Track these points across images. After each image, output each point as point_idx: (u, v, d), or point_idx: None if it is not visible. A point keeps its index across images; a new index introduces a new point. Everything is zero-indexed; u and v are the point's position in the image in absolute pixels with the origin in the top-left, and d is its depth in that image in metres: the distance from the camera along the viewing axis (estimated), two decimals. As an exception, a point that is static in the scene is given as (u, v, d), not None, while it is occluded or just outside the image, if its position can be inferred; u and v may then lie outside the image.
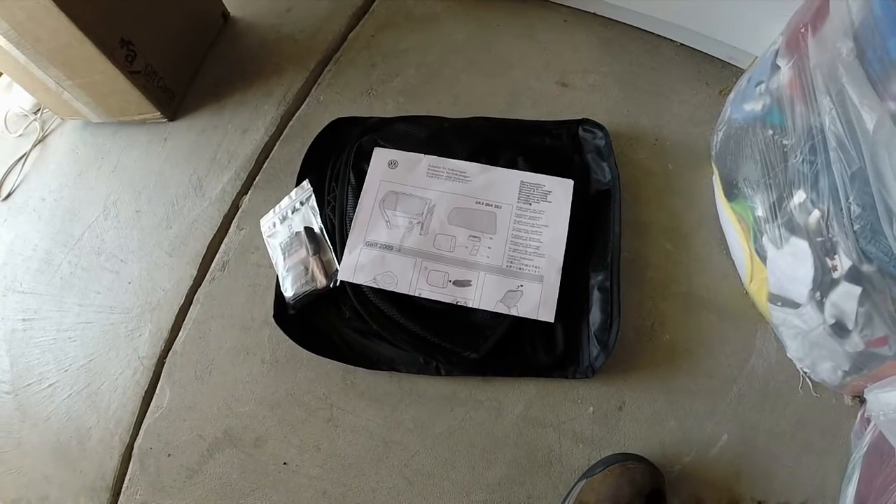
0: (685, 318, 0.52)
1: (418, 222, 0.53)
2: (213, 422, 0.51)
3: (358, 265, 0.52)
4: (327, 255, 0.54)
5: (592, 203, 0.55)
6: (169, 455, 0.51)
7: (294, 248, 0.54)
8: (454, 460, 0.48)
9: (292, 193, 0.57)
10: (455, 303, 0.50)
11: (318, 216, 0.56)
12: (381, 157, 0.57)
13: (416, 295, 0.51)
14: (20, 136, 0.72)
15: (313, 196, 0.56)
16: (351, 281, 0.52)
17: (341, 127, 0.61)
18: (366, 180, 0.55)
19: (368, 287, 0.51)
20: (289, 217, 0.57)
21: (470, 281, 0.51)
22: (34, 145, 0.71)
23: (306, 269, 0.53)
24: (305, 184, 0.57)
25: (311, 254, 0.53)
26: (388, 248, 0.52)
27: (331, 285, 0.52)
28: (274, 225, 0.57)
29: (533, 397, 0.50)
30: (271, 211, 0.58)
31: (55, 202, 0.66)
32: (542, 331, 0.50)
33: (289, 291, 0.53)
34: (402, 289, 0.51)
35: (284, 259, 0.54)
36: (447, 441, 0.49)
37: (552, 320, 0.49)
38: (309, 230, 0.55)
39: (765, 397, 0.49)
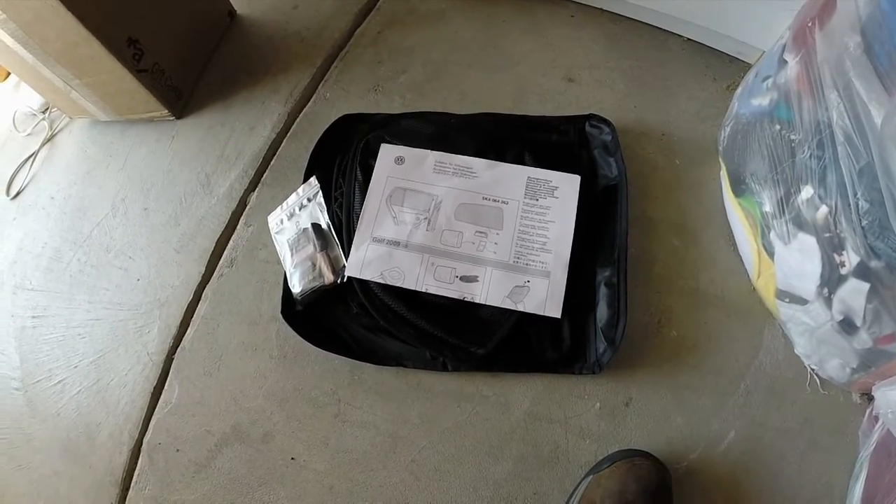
0: (692, 315, 0.52)
1: (425, 218, 0.54)
2: (222, 417, 0.52)
3: (365, 261, 0.52)
4: (335, 251, 0.54)
5: (599, 198, 0.55)
6: (177, 450, 0.51)
7: (301, 245, 0.54)
8: (461, 456, 0.48)
9: (300, 190, 0.58)
10: (462, 298, 0.50)
11: (326, 212, 0.56)
12: (387, 154, 0.57)
13: (423, 291, 0.51)
14: (29, 135, 0.73)
15: (321, 192, 0.56)
16: (358, 277, 0.52)
17: (348, 123, 0.61)
18: (373, 176, 0.56)
19: (376, 283, 0.51)
20: (296, 213, 0.57)
21: (477, 276, 0.51)
22: (43, 144, 0.71)
23: (314, 264, 0.53)
24: (313, 180, 0.57)
25: (318, 250, 0.54)
26: (395, 244, 0.53)
27: (338, 281, 0.52)
28: (282, 221, 0.57)
29: (539, 393, 0.50)
30: (279, 207, 0.58)
31: (64, 200, 0.66)
32: (549, 326, 0.50)
33: (296, 287, 0.53)
34: (410, 284, 0.51)
35: (292, 255, 0.54)
36: (454, 436, 0.49)
37: (559, 316, 0.49)
38: (316, 226, 0.55)
39: (772, 394, 0.48)
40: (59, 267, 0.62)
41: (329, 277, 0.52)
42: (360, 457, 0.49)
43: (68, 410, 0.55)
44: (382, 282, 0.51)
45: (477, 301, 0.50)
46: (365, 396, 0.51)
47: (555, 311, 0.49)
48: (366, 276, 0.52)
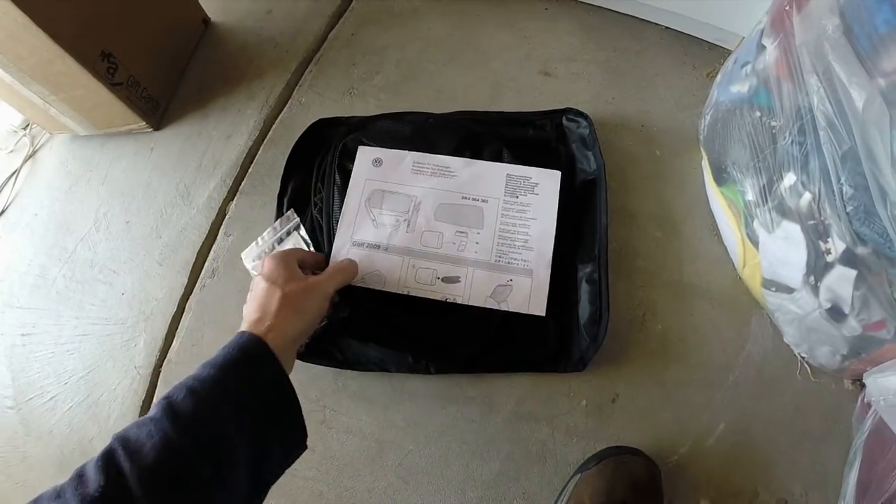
0: (677, 307, 0.51)
1: (405, 220, 0.53)
2: (210, 428, 0.52)
3: None
4: None
5: (578, 193, 0.54)
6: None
7: None
8: (448, 458, 0.48)
9: (276, 224, 0.54)
10: (444, 300, 0.50)
11: (311, 247, 0.52)
12: (365, 156, 0.56)
13: (405, 294, 0.50)
14: (11, 152, 0.73)
15: (302, 226, 0.53)
16: None
17: (323, 127, 0.60)
18: (350, 179, 0.55)
19: (358, 288, 0.51)
20: (276, 249, 0.53)
21: (459, 277, 0.50)
22: (25, 161, 0.71)
23: None
24: (291, 213, 0.54)
25: None
26: (376, 247, 0.52)
27: (324, 324, 0.49)
28: (259, 257, 0.54)
29: (525, 392, 0.49)
30: (253, 243, 0.55)
31: (48, 217, 0.66)
32: (534, 325, 0.49)
33: None
34: (391, 288, 0.50)
35: None
36: (440, 439, 0.49)
37: (543, 314, 0.49)
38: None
39: (762, 384, 0.48)
40: (46, 284, 0.62)
41: (328, 315, 0.49)
42: (347, 462, 0.49)
43: (61, 427, 0.56)
44: (364, 286, 0.51)
45: (459, 302, 0.50)
46: (350, 402, 0.51)
47: (539, 309, 0.49)
48: None
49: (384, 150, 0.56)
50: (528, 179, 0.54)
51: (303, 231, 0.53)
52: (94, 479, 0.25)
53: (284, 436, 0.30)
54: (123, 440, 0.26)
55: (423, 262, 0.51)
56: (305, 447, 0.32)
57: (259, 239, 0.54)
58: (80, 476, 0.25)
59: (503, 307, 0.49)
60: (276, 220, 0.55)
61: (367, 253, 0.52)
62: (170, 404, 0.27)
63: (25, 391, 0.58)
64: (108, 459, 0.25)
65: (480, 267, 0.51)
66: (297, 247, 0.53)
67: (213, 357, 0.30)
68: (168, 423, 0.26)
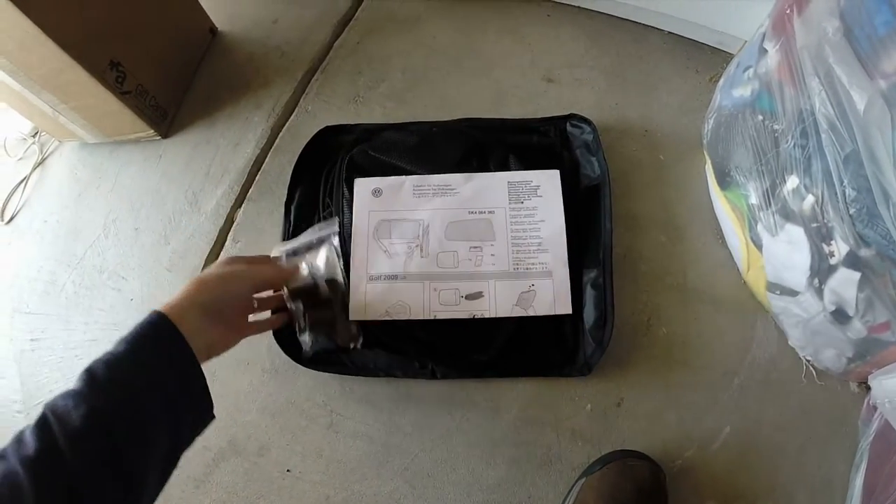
0: (682, 311, 0.51)
1: (417, 245, 0.52)
2: (218, 432, 0.52)
3: (367, 303, 0.50)
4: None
5: (583, 199, 0.54)
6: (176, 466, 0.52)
7: (314, 301, 0.48)
8: (454, 462, 0.48)
9: (316, 226, 0.50)
10: (472, 317, 0.49)
11: (342, 261, 0.49)
12: (363, 188, 0.55)
13: (433, 318, 0.50)
14: (20, 159, 0.74)
15: (336, 236, 0.49)
16: (363, 320, 0.50)
17: (330, 135, 0.61)
18: (353, 214, 0.54)
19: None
20: (301, 253, 0.49)
21: (481, 292, 0.50)
22: (34, 168, 0.72)
23: (332, 326, 0.49)
24: (336, 220, 0.51)
25: (338, 311, 0.49)
26: (393, 277, 0.51)
27: (353, 346, 0.49)
28: (290, 252, 0.49)
29: (530, 397, 0.50)
30: (291, 241, 0.50)
31: (57, 223, 0.67)
32: (548, 326, 0.49)
33: (307, 346, 0.48)
34: (417, 315, 0.49)
35: (304, 311, 0.48)
36: (446, 443, 0.49)
37: (570, 311, 0.49)
38: (332, 282, 0.49)
39: (767, 387, 0.48)
40: (55, 290, 0.63)
41: (346, 342, 0.49)
42: (354, 466, 0.49)
43: (70, 431, 0.56)
44: (389, 319, 0.50)
45: (487, 316, 0.49)
46: (356, 407, 0.51)
47: (564, 308, 0.49)
48: (371, 317, 0.50)
49: (381, 178, 0.55)
50: (529, 183, 0.54)
51: (336, 241, 0.49)
52: (30, 443, 0.28)
53: (193, 403, 0.35)
54: (53, 408, 0.30)
55: (443, 283, 0.51)
56: (213, 416, 0.36)
57: (295, 241, 0.50)
58: (18, 440, 0.29)
59: (530, 313, 0.49)
60: (318, 221, 0.52)
61: (386, 286, 0.51)
62: (91, 376, 0.31)
63: (34, 396, 0.59)
64: (42, 425, 0.29)
65: (501, 278, 0.50)
66: (331, 255, 0.49)
67: (126, 333, 0.34)
68: (90, 392, 0.30)
